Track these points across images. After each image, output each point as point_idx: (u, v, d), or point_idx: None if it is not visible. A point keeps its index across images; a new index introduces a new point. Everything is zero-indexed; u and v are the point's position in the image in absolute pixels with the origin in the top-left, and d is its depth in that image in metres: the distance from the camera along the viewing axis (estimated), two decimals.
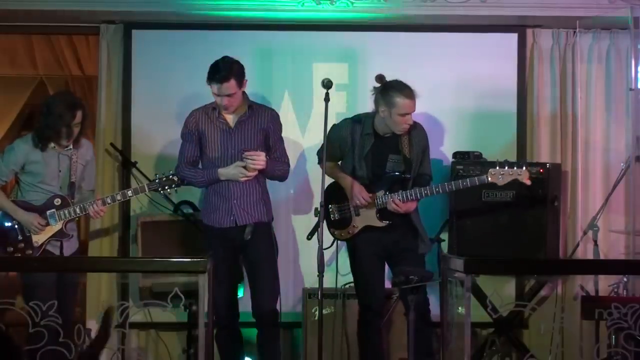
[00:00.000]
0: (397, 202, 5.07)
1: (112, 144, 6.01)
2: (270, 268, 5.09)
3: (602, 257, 5.69)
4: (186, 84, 6.05)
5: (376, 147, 5.18)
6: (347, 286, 5.65)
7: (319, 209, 4.86)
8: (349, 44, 6.08)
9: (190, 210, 5.87)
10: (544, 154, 6.04)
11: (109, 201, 5.18)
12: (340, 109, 5.98)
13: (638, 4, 5.77)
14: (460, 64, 5.99)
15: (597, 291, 5.47)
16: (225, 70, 5.01)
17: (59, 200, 5.12)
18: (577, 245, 5.85)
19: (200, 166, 5.24)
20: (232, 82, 5.01)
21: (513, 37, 6.11)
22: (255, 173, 5.05)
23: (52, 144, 5.14)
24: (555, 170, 5.82)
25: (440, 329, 4.73)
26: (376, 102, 5.16)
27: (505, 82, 6.06)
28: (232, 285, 5.19)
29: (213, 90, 5.04)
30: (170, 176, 5.26)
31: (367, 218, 5.18)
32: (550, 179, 5.66)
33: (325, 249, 5.32)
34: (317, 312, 5.18)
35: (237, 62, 5.06)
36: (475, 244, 5.63)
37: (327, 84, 4.97)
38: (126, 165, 5.94)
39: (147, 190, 5.27)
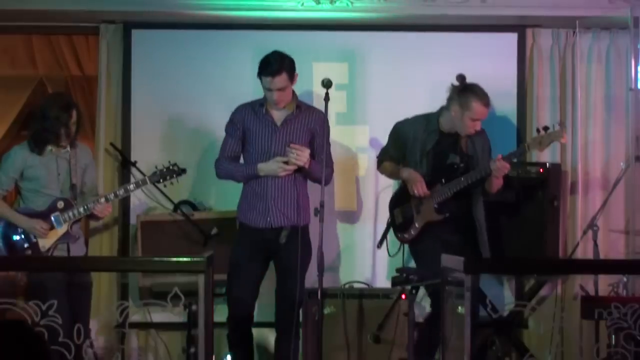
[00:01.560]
0: (500, 163, 5.02)
1: (112, 144, 6.02)
2: (300, 277, 5.03)
3: (601, 256, 5.69)
4: (186, 84, 6.06)
5: (439, 144, 5.21)
6: (347, 286, 5.65)
7: (318, 209, 4.86)
8: (349, 43, 6.09)
9: (190, 210, 5.87)
10: (543, 154, 6.03)
11: (112, 197, 5.16)
12: (340, 109, 5.98)
13: (638, 3, 5.77)
14: (460, 64, 5.97)
15: (596, 291, 5.47)
16: (277, 64, 4.97)
17: (62, 203, 5.09)
18: (577, 245, 5.85)
19: (241, 161, 5.20)
20: (284, 76, 4.98)
21: (513, 37, 6.12)
22: (295, 168, 4.99)
23: (50, 147, 5.11)
24: (555, 170, 5.83)
25: (440, 328, 4.72)
26: (450, 99, 5.18)
27: (505, 82, 6.06)
28: (255, 287, 5.12)
29: (264, 84, 4.99)
30: (171, 166, 5.25)
31: (427, 214, 5.19)
32: (550, 179, 5.66)
33: (391, 256, 5.40)
34: (317, 312, 5.17)
35: (288, 57, 5.04)
36: None
37: (327, 84, 4.96)
38: (126, 164, 5.94)
39: (148, 182, 5.24)
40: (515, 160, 5.16)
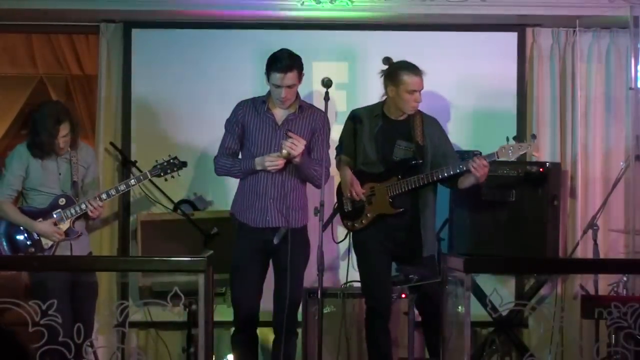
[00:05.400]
0: (481, 161, 4.97)
1: (111, 143, 6.02)
2: (298, 277, 5.02)
3: (601, 256, 5.69)
4: (186, 83, 6.06)
5: (385, 129, 5.17)
6: (347, 285, 5.65)
7: (318, 209, 4.85)
8: (349, 42, 6.09)
9: (190, 210, 5.87)
10: (543, 153, 6.04)
11: (113, 193, 5.15)
12: (340, 108, 5.99)
13: (638, 3, 5.77)
14: (460, 63, 6.00)
15: (596, 290, 5.47)
16: (289, 60, 4.95)
17: (64, 199, 5.09)
18: (577, 244, 5.85)
19: (240, 157, 5.16)
20: (295, 73, 4.97)
21: (513, 36, 6.12)
22: (284, 161, 4.93)
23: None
24: (555, 169, 5.82)
25: (440, 328, 4.73)
26: (384, 83, 5.17)
27: (505, 81, 6.06)
28: (258, 288, 5.08)
29: (273, 80, 4.96)
30: (171, 160, 5.25)
31: (380, 206, 5.15)
32: (550, 179, 5.66)
33: (338, 243, 5.38)
34: (317, 312, 5.17)
35: (298, 55, 5.03)
36: (475, 243, 5.64)
37: (327, 83, 4.95)
38: (126, 164, 5.95)
39: (149, 176, 5.24)
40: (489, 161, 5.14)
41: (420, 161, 5.11)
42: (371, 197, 5.18)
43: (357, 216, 5.21)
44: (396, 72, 5.09)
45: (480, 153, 5.67)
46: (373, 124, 5.18)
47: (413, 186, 5.08)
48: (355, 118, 5.25)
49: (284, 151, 4.91)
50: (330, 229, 5.36)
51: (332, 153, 5.32)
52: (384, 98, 5.22)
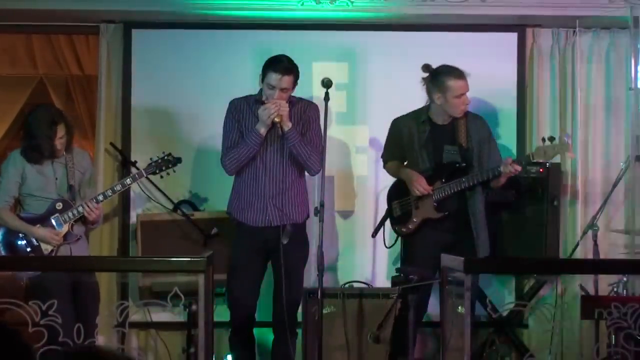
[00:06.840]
0: (513, 166, 4.99)
1: (111, 144, 6.02)
2: (299, 276, 5.04)
3: (601, 256, 5.69)
4: (186, 83, 6.06)
5: (433, 135, 5.21)
6: (347, 285, 5.65)
7: (318, 209, 4.85)
8: (349, 43, 6.09)
9: (190, 210, 5.87)
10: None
11: (109, 194, 5.14)
12: (340, 109, 5.99)
13: (638, 3, 5.77)
14: (460, 64, 5.96)
15: (596, 290, 5.47)
16: (290, 64, 4.98)
17: (61, 204, 5.08)
18: (577, 244, 5.85)
19: None
20: (292, 78, 4.99)
21: (513, 37, 6.12)
22: (278, 109, 4.90)
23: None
24: (555, 170, 5.83)
25: (440, 329, 4.73)
26: (428, 91, 5.20)
27: (505, 81, 6.06)
28: (256, 288, 5.10)
29: (269, 80, 4.96)
30: (166, 157, 5.24)
31: (426, 210, 5.18)
32: (550, 179, 5.66)
33: (389, 248, 5.44)
34: (317, 312, 5.17)
35: (296, 64, 5.05)
36: None
37: (327, 83, 4.96)
38: (126, 164, 5.95)
39: (144, 174, 5.24)
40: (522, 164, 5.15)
41: (464, 164, 5.13)
42: (418, 202, 5.19)
43: (405, 221, 5.24)
44: (440, 79, 5.12)
45: None
46: (421, 130, 5.22)
47: (455, 190, 5.11)
48: (400, 126, 5.29)
49: (273, 114, 4.89)
50: (382, 235, 5.46)
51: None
52: (427, 105, 5.23)
